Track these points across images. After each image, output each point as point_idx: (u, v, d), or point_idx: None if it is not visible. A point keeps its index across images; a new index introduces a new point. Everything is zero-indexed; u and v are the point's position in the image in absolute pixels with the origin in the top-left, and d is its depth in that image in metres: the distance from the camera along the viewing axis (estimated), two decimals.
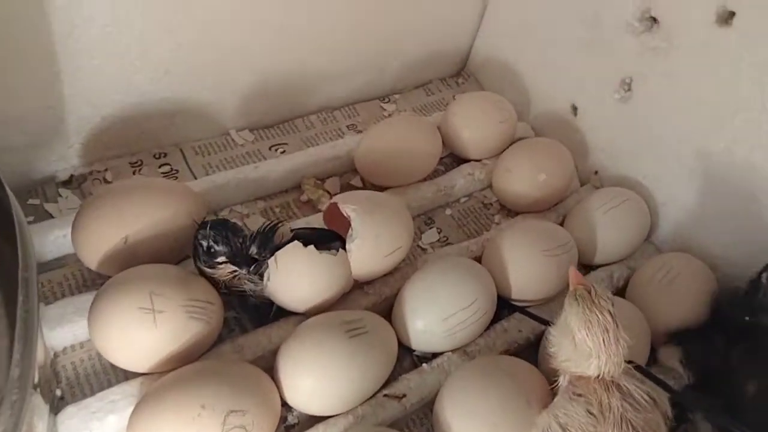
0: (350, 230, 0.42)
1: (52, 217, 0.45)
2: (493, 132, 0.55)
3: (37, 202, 0.45)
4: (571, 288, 0.35)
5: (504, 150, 0.56)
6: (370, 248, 0.42)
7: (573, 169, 0.55)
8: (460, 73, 0.68)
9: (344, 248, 0.41)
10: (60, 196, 0.46)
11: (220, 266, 0.39)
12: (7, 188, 0.26)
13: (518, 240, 0.46)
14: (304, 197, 0.52)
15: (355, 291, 0.44)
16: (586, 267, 0.51)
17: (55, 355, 0.38)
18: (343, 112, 0.60)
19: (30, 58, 0.40)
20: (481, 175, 0.55)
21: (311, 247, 0.40)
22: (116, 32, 0.42)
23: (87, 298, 0.38)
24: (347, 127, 0.59)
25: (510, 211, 0.55)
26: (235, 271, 0.39)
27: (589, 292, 0.34)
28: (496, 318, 0.45)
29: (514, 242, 0.46)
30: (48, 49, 0.40)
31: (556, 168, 0.52)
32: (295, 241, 0.40)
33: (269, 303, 0.41)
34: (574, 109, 0.58)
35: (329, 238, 0.42)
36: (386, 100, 0.63)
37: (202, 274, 0.39)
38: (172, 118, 0.50)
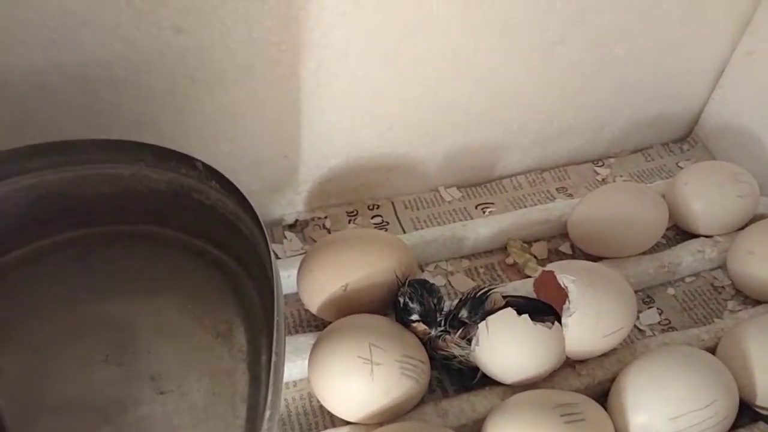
0: (567, 303, 0.39)
1: (278, 257, 0.48)
2: (729, 206, 0.49)
3: None
4: None
5: (742, 227, 0.49)
6: (588, 325, 0.38)
7: None
8: (686, 139, 0.62)
9: (559, 322, 0.39)
10: (285, 238, 0.50)
11: (413, 324, 0.38)
12: (266, 233, 0.29)
13: (766, 336, 0.39)
14: (509, 260, 0.50)
15: (565, 369, 0.40)
16: None
17: None
18: (553, 173, 0.58)
19: (276, 111, 0.44)
20: (712, 253, 0.49)
21: (525, 316, 0.37)
22: (354, 91, 0.45)
23: (304, 339, 0.40)
24: (557, 189, 0.57)
25: (747, 297, 0.48)
26: (428, 330, 0.38)
27: None
28: (734, 425, 0.38)
29: (762, 339, 0.39)
30: (293, 104, 0.44)
31: None
32: (509, 308, 0.38)
33: (474, 369, 0.39)
34: None
35: (543, 309, 0.39)
36: (600, 163, 0.59)
37: (410, 330, 0.39)
38: (387, 172, 0.52)
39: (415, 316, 0.38)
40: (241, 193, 0.30)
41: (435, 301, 0.39)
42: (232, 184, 0.30)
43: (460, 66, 0.47)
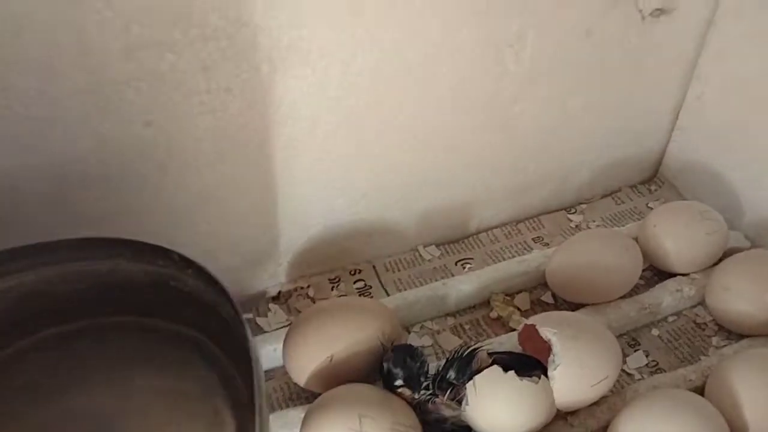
0: (551, 356, 0.39)
1: (264, 330, 0.48)
2: (699, 244, 0.50)
3: (250, 316, 0.50)
4: None
5: (715, 263, 0.51)
6: (574, 377, 0.39)
7: None
8: (653, 180, 0.64)
9: (546, 374, 0.39)
10: (269, 310, 0.50)
11: (398, 389, 0.39)
12: (243, 319, 0.29)
13: (754, 373, 0.40)
14: (493, 314, 0.50)
15: (557, 421, 0.40)
16: None
17: None
18: (528, 224, 0.59)
19: (250, 189, 0.45)
20: (690, 291, 0.50)
21: (512, 373, 0.38)
22: (323, 163, 0.47)
23: (295, 413, 0.40)
24: (533, 239, 0.58)
25: (731, 333, 0.48)
26: (413, 395, 0.38)
27: None
28: None
29: (748, 375, 0.40)
30: (266, 181, 0.45)
31: None
32: (495, 366, 0.38)
33: (466, 429, 0.39)
34: None
35: (529, 364, 0.40)
36: (572, 210, 0.61)
37: (400, 397, 0.39)
38: (366, 237, 0.53)
39: (399, 382, 0.38)
40: (215, 279, 0.31)
41: (418, 365, 0.39)
42: (206, 271, 0.31)
43: (423, 134, 0.49)
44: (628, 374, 0.46)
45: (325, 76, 0.42)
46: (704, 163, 0.58)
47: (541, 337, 0.40)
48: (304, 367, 0.40)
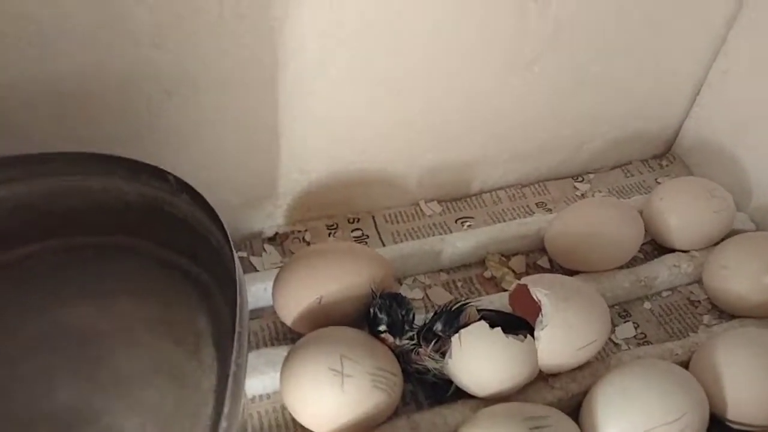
0: (540, 316, 0.39)
1: (256, 269, 0.48)
2: (704, 221, 0.49)
3: (244, 254, 0.50)
4: None
5: (718, 243, 0.50)
6: (561, 339, 0.38)
7: None
8: (665, 155, 0.63)
9: (532, 335, 0.39)
10: (264, 251, 0.50)
11: (381, 335, 0.39)
12: (233, 246, 0.29)
13: (739, 350, 0.39)
14: (487, 273, 0.50)
15: (538, 382, 0.40)
16: None
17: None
18: (533, 189, 0.59)
19: (252, 125, 0.44)
20: (688, 268, 0.49)
21: (498, 329, 0.38)
22: (331, 107, 0.46)
23: (279, 351, 0.40)
24: (536, 204, 0.57)
25: (722, 312, 0.48)
26: (395, 342, 0.38)
27: None
28: None
29: (733, 352, 0.39)
30: (270, 119, 0.45)
31: None
32: (482, 321, 0.38)
33: (448, 382, 0.40)
34: None
35: (517, 323, 0.40)
36: (580, 179, 0.60)
37: (384, 343, 0.39)
38: (367, 187, 0.53)
39: (382, 327, 0.38)
40: (209, 206, 0.31)
41: (403, 312, 0.39)
42: (201, 197, 0.31)
43: (437, 88, 0.48)
44: (615, 344, 0.46)
45: (341, 13, 0.40)
46: (719, 142, 0.57)
47: (532, 297, 0.40)
48: (293, 306, 0.40)
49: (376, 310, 0.39)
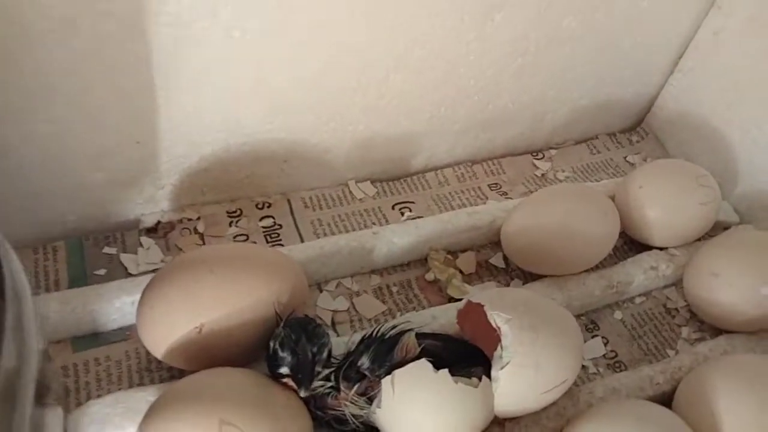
0: (499, 349, 0.30)
1: (129, 272, 0.37)
2: (690, 215, 0.41)
3: (113, 251, 0.38)
4: None
5: (699, 239, 0.42)
6: (525, 380, 0.29)
7: None
8: (636, 129, 0.54)
9: (488, 374, 0.29)
10: (141, 245, 0.38)
11: (283, 378, 0.29)
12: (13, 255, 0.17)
13: (736, 386, 0.32)
14: (429, 275, 0.40)
15: (492, 429, 0.31)
16: None
17: None
18: (486, 167, 0.49)
19: (115, 80, 0.32)
20: (667, 270, 0.41)
21: (444, 371, 0.28)
22: (229, 57, 0.34)
23: (143, 395, 0.29)
24: (489, 186, 0.47)
25: (703, 323, 0.41)
26: (300, 391, 0.28)
27: None
28: None
29: (729, 389, 0.32)
30: (141, 73, 0.32)
31: None
32: (423, 360, 0.28)
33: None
34: None
35: (469, 357, 0.30)
36: (539, 156, 0.51)
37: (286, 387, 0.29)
38: (282, 163, 0.41)
39: (284, 369, 0.28)
40: None
41: (314, 350, 0.28)
42: None
43: (373, 33, 0.37)
44: (583, 366, 0.38)
45: None
46: (701, 115, 0.49)
47: (489, 322, 0.30)
48: (163, 337, 0.29)
49: (276, 345, 0.28)
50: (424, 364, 0.28)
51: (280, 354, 0.28)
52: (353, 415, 0.29)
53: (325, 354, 0.29)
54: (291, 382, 0.28)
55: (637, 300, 0.42)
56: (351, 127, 0.42)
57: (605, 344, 0.39)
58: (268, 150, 0.40)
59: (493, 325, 0.30)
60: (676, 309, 0.42)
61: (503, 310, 0.30)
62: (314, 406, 0.29)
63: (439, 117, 0.44)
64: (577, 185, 0.45)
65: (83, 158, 0.35)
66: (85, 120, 0.33)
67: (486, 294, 0.32)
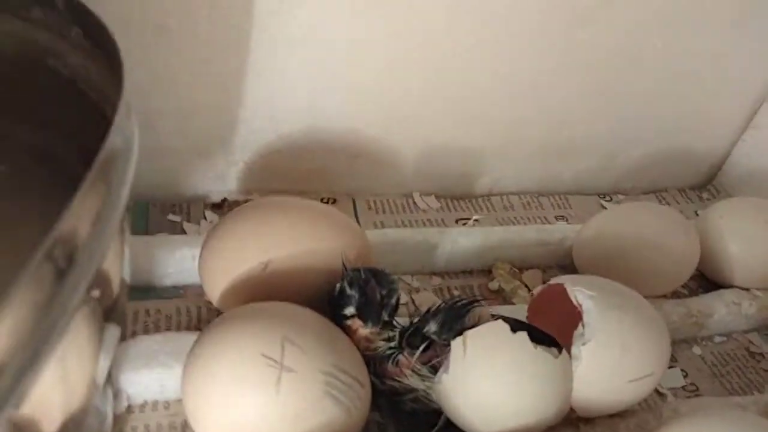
0: (581, 327, 0.27)
1: (185, 232, 0.36)
2: None
3: (177, 219, 0.37)
4: None
5: None
6: (610, 361, 0.26)
7: None
8: (707, 187, 0.53)
9: (568, 351, 0.27)
10: (205, 218, 0.38)
11: (347, 321, 0.26)
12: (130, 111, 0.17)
13: None
14: (494, 284, 0.38)
15: (565, 428, 0.28)
16: None
17: (129, 409, 0.27)
18: (552, 200, 0.48)
19: (212, 38, 0.33)
20: (750, 309, 0.38)
21: (522, 334, 0.26)
22: (323, 38, 0.35)
23: (193, 339, 0.27)
24: (555, 218, 0.46)
25: None
26: (366, 328, 0.26)
27: None
28: None
29: None
30: (239, 35, 0.34)
31: None
32: (500, 320, 0.26)
33: (435, 413, 0.27)
34: None
35: (542, 339, 0.27)
36: (608, 198, 0.49)
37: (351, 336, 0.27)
38: (353, 159, 0.41)
39: (351, 310, 0.26)
40: (113, 46, 0.19)
41: (384, 292, 0.26)
42: (102, 28, 0.19)
43: (452, 49, 0.38)
44: (660, 394, 0.34)
45: None
46: None
47: (568, 303, 0.28)
48: (225, 273, 0.28)
49: (346, 284, 0.26)
50: (500, 324, 0.26)
51: (348, 292, 0.26)
52: (416, 388, 0.26)
53: (393, 300, 0.27)
54: (357, 323, 0.26)
55: (717, 339, 0.39)
56: (421, 132, 0.42)
57: (684, 377, 0.36)
58: (342, 141, 0.40)
59: (575, 302, 0.28)
60: (762, 354, 0.38)
61: (584, 287, 0.28)
62: (373, 372, 0.27)
63: (508, 138, 0.44)
64: (655, 204, 0.44)
65: (169, 114, 0.35)
66: (176, 68, 0.34)
67: (565, 276, 0.30)
